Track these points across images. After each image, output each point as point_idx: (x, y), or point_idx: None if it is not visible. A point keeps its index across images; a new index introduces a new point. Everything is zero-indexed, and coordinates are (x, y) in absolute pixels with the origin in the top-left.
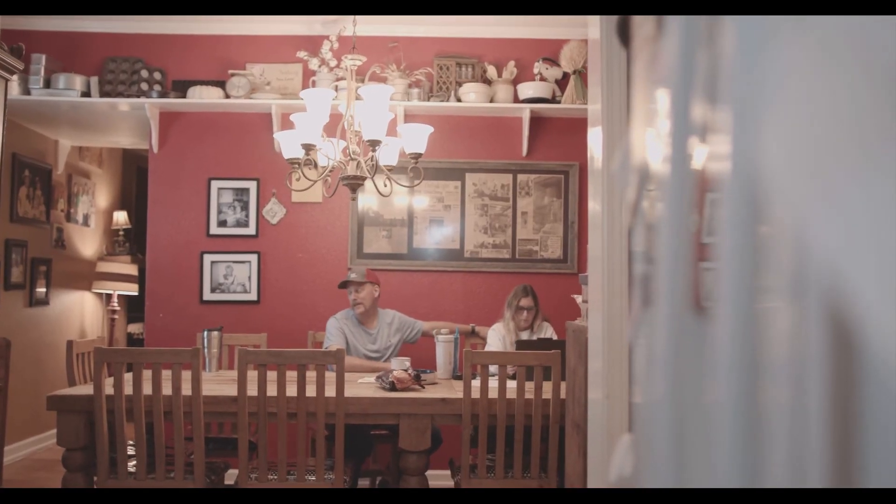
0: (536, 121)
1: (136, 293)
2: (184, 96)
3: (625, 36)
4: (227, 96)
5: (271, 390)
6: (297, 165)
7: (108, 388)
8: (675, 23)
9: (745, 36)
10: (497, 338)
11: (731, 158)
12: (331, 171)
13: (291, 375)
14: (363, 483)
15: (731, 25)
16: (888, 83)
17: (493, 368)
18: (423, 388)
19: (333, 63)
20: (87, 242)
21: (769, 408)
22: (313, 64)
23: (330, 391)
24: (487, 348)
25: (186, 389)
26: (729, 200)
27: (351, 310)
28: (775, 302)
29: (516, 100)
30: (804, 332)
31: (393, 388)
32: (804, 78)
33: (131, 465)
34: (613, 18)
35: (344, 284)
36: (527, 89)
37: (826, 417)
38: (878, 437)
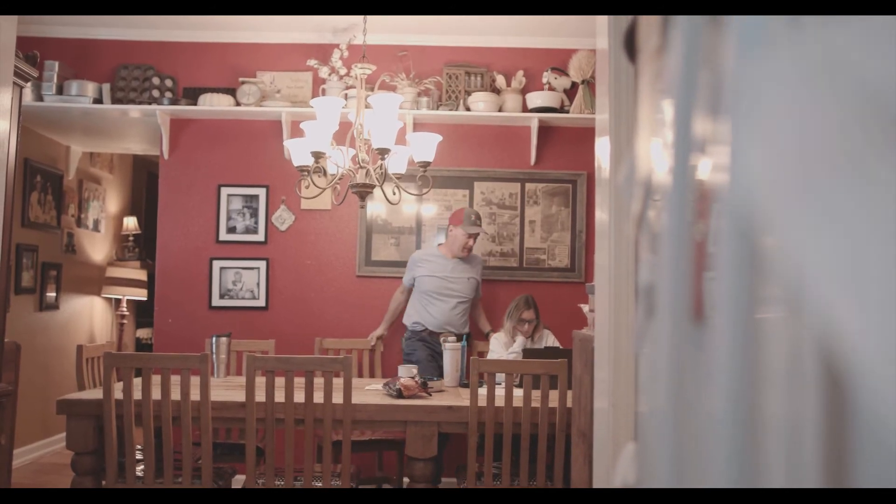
0: (545, 130)
1: (144, 298)
2: (194, 103)
3: (631, 50)
4: (238, 104)
5: (279, 396)
6: (306, 173)
7: (118, 393)
8: (678, 36)
9: (745, 49)
10: (500, 345)
11: (730, 170)
12: (340, 179)
13: (299, 382)
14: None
15: (732, 39)
16: (886, 97)
17: (499, 377)
18: (430, 395)
19: (343, 71)
20: (97, 247)
21: (766, 416)
22: (323, 72)
23: (337, 398)
24: (490, 356)
25: (195, 395)
26: (727, 211)
27: (436, 248)
28: (772, 313)
29: (525, 109)
30: (800, 342)
31: (400, 395)
32: (803, 92)
33: (139, 470)
34: (621, 30)
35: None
36: (535, 98)
37: (821, 426)
38: (871, 447)
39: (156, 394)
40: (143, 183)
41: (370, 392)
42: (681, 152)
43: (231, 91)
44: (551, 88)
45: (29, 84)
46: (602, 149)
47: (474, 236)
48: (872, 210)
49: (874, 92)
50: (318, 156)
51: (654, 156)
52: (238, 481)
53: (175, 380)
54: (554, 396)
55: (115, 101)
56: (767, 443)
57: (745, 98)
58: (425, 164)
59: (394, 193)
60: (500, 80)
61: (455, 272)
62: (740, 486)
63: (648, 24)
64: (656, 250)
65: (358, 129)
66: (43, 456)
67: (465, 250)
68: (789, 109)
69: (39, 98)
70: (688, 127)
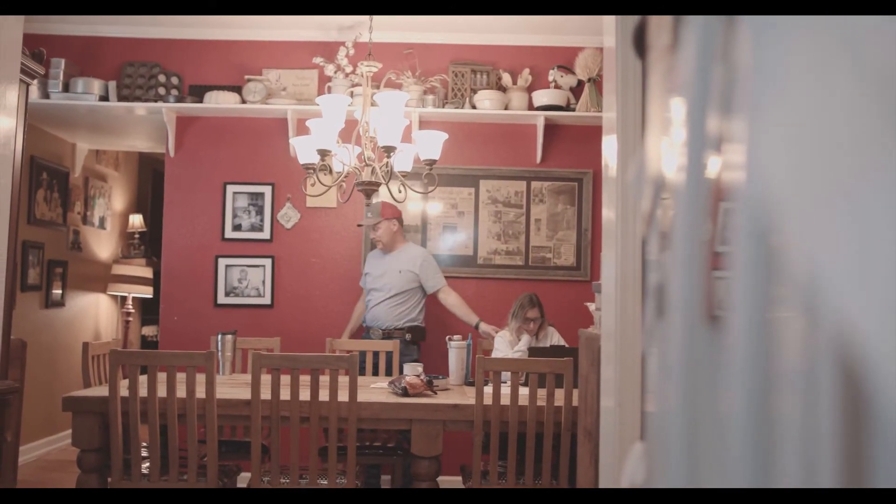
0: (551, 128)
1: (150, 296)
2: (200, 101)
3: (641, 47)
4: (244, 101)
5: (284, 394)
6: (312, 171)
7: (123, 390)
8: (691, 34)
9: (761, 47)
10: (505, 344)
11: (746, 168)
12: (346, 177)
13: (304, 380)
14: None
15: (747, 37)
16: None
17: (504, 375)
18: (436, 393)
19: (349, 69)
20: (103, 245)
21: (781, 417)
22: (329, 70)
23: (343, 396)
24: (495, 354)
25: (200, 392)
26: (742, 210)
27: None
28: (787, 312)
29: (531, 107)
30: (815, 341)
31: (405, 393)
32: (819, 91)
33: (145, 467)
34: (629, 28)
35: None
36: (541, 97)
37: (836, 426)
38: (887, 446)
39: (161, 391)
40: (149, 180)
41: (376, 390)
42: (694, 150)
43: (237, 88)
44: (557, 86)
45: (35, 81)
46: (609, 147)
47: (373, 227)
48: (892, 209)
49: (893, 88)
50: (323, 153)
51: (665, 154)
52: (243, 479)
53: (181, 377)
54: (560, 395)
55: (120, 98)
56: (783, 443)
57: (761, 96)
58: (431, 162)
59: (399, 191)
60: (506, 78)
61: (383, 267)
62: (755, 486)
63: (659, 21)
64: (666, 249)
65: (364, 126)
66: (49, 453)
67: (379, 243)
68: (807, 108)
69: (45, 95)
70: (701, 125)
